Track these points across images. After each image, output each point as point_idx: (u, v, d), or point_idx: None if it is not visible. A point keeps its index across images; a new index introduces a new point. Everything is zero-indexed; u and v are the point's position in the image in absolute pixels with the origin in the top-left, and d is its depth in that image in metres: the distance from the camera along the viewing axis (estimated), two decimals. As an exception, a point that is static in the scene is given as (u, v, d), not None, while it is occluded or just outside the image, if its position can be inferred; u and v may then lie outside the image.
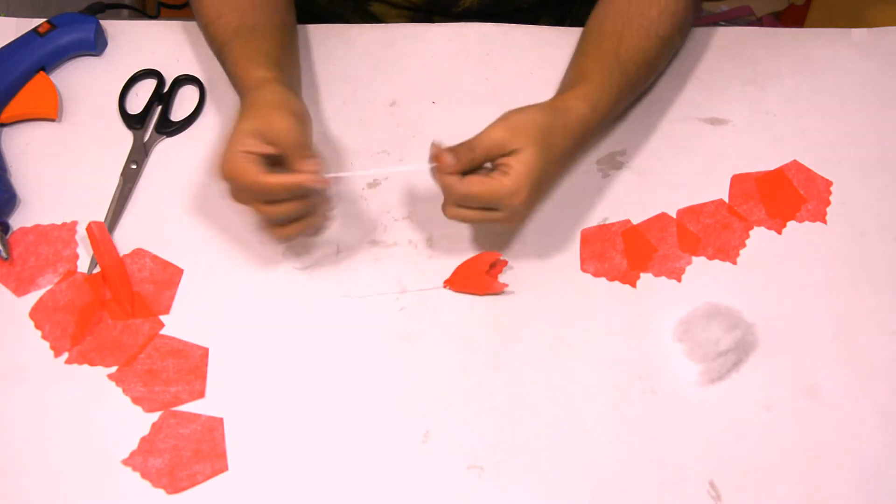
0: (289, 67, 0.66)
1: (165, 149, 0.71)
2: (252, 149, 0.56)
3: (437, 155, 0.58)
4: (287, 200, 0.58)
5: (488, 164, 0.59)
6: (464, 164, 0.58)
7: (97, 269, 0.64)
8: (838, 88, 0.74)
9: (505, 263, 0.65)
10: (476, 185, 0.57)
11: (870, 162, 0.70)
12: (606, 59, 0.64)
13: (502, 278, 0.64)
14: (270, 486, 0.57)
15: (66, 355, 0.61)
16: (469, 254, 0.65)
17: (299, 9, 0.85)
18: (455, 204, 0.59)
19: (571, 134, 0.60)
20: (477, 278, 0.63)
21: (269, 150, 0.57)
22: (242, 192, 0.58)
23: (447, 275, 0.64)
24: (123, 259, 0.65)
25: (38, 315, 0.63)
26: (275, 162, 0.58)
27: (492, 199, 0.57)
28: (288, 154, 0.57)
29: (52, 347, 0.61)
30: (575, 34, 0.76)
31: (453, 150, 0.58)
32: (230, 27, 0.65)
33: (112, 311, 0.63)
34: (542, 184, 0.59)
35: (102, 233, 0.63)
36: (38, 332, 0.62)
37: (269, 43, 0.65)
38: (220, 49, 0.66)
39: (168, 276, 0.64)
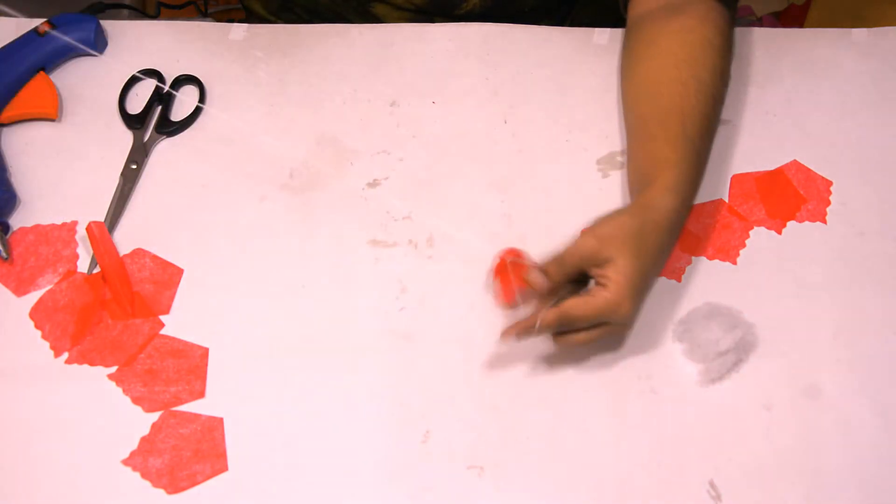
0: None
1: (165, 149, 0.71)
2: None
3: (527, 279, 0.56)
4: None
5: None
6: (556, 281, 0.56)
7: (97, 269, 0.64)
8: (838, 88, 0.74)
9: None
10: (577, 307, 0.55)
11: (870, 162, 0.70)
12: (678, 140, 0.62)
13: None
14: (270, 486, 0.57)
15: (66, 355, 0.61)
16: (469, 254, 0.65)
17: (300, 8, 0.85)
18: (559, 331, 0.58)
19: (663, 229, 0.58)
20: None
21: None
22: None
23: (448, 274, 0.64)
24: (123, 259, 0.65)
25: (38, 315, 0.63)
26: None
27: (598, 316, 0.56)
28: None
29: (52, 347, 0.61)
30: (575, 34, 0.76)
31: (541, 267, 0.56)
32: None
33: (112, 311, 0.63)
34: (643, 286, 0.57)
35: (102, 233, 0.63)
36: (38, 332, 0.62)
37: None
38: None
39: (168, 276, 0.64)
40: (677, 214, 0.60)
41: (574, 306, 0.55)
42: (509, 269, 0.57)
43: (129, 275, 0.64)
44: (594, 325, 0.57)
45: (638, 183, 0.63)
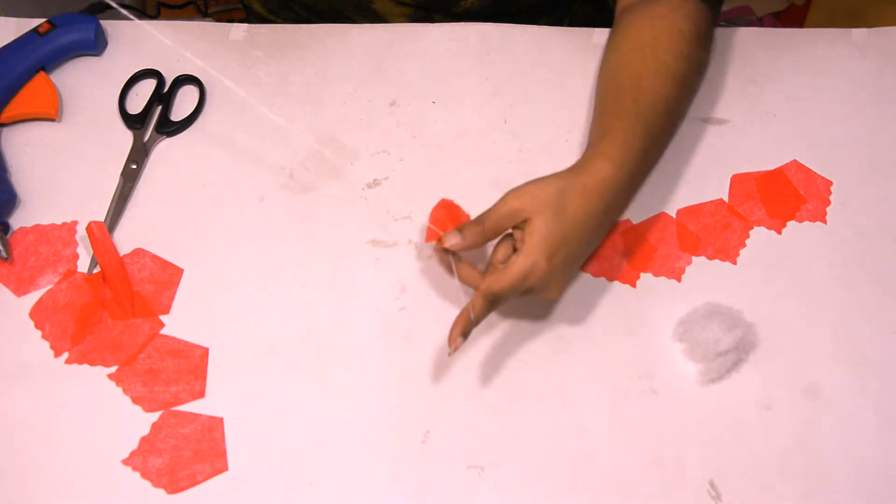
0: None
1: (165, 149, 0.71)
2: None
3: (439, 237, 0.56)
4: None
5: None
6: (471, 242, 0.55)
7: (97, 269, 0.64)
8: (838, 88, 0.74)
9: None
10: (497, 281, 0.54)
11: (870, 162, 0.70)
12: (627, 113, 0.61)
13: None
14: (270, 486, 0.57)
15: (66, 355, 0.61)
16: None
17: (300, 6, 0.85)
18: (491, 306, 0.56)
19: (593, 194, 0.56)
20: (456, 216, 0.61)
21: None
22: None
23: (448, 274, 0.64)
24: (123, 259, 0.65)
25: (38, 315, 0.63)
26: None
27: (518, 283, 0.54)
28: None
29: (52, 347, 0.61)
30: (574, 34, 0.77)
31: (460, 228, 0.56)
32: None
33: (112, 311, 0.63)
34: (565, 249, 0.55)
35: (102, 233, 0.63)
36: (38, 332, 0.62)
37: None
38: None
39: (168, 276, 0.64)
40: (612, 182, 0.57)
41: (494, 282, 0.55)
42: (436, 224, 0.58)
43: (129, 275, 0.64)
44: (524, 293, 0.56)
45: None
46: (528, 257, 0.54)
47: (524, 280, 0.54)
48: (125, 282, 0.63)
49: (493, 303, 0.55)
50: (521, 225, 0.55)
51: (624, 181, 0.58)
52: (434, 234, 0.58)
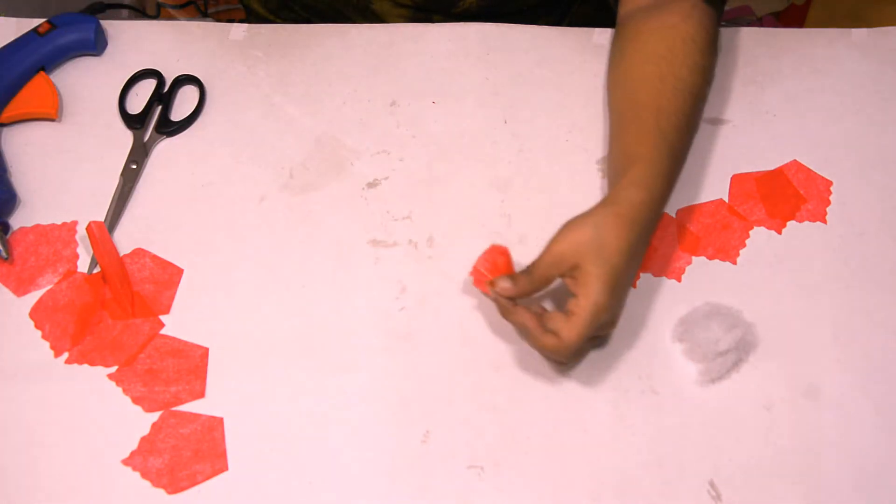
0: None
1: (165, 149, 0.71)
2: None
3: (492, 280, 0.57)
4: None
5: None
6: (523, 291, 0.57)
7: (97, 269, 0.64)
8: (838, 88, 0.74)
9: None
10: (571, 330, 0.55)
11: (870, 162, 0.70)
12: (650, 135, 0.61)
13: None
14: (270, 486, 0.57)
15: (66, 355, 0.61)
16: (469, 254, 0.65)
17: (299, 6, 0.85)
18: (573, 355, 0.58)
19: (627, 222, 0.57)
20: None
21: None
22: None
23: (448, 274, 0.64)
24: (123, 259, 0.65)
25: (38, 315, 0.63)
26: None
27: (590, 328, 0.55)
28: None
29: (52, 347, 0.61)
30: (574, 34, 0.77)
31: (511, 276, 0.57)
32: None
33: (112, 311, 0.63)
34: (617, 281, 0.56)
35: (102, 233, 0.63)
36: (38, 332, 0.62)
37: None
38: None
39: (168, 276, 0.64)
40: (645, 208, 0.58)
41: (568, 332, 0.55)
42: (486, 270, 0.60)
43: (129, 275, 0.64)
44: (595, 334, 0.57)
45: (611, 179, 0.63)
46: (589, 298, 0.55)
47: (595, 320, 0.55)
48: (125, 282, 0.63)
49: (566, 355, 0.57)
50: (569, 272, 0.56)
51: (655, 205, 0.59)
52: (481, 275, 0.59)
